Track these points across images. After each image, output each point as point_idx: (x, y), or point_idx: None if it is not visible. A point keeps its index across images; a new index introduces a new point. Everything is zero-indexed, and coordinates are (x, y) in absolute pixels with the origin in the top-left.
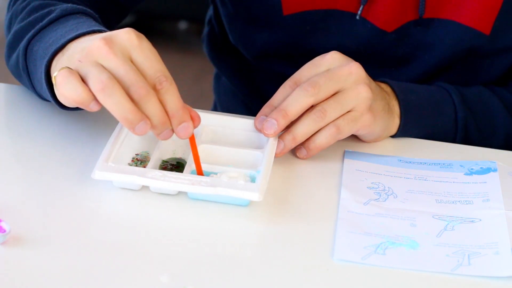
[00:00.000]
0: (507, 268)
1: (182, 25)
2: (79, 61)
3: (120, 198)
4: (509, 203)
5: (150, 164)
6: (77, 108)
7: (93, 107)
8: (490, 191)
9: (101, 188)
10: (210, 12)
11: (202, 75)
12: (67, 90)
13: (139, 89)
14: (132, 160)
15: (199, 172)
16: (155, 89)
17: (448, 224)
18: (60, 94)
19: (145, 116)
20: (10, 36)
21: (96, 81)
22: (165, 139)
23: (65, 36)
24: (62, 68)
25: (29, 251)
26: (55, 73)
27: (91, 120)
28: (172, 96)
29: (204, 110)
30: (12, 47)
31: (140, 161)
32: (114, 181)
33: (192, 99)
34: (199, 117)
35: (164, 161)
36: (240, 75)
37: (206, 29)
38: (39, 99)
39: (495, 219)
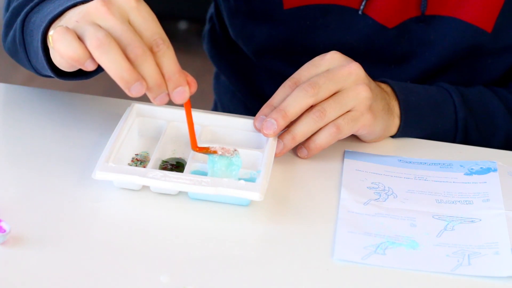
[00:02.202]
0: (507, 268)
1: (182, 25)
2: (76, 21)
3: (120, 198)
4: (509, 203)
5: (150, 164)
6: (75, 77)
7: (89, 66)
8: (490, 191)
9: (101, 188)
10: (211, 9)
11: (202, 75)
12: (62, 46)
13: (135, 48)
14: (132, 160)
15: (193, 141)
16: (152, 51)
17: (448, 224)
18: (55, 52)
19: (141, 76)
20: (8, 14)
21: (93, 38)
22: (161, 103)
23: (63, 4)
24: (59, 26)
25: (29, 251)
26: (51, 32)
27: (91, 120)
28: (169, 59)
29: (204, 110)
30: (9, 24)
31: (140, 161)
32: (114, 181)
33: (192, 99)
34: (195, 83)
35: (164, 161)
36: (239, 74)
37: (207, 27)
38: (39, 99)
39: (495, 219)
